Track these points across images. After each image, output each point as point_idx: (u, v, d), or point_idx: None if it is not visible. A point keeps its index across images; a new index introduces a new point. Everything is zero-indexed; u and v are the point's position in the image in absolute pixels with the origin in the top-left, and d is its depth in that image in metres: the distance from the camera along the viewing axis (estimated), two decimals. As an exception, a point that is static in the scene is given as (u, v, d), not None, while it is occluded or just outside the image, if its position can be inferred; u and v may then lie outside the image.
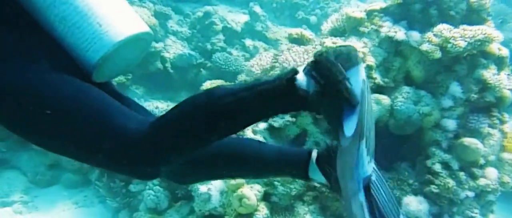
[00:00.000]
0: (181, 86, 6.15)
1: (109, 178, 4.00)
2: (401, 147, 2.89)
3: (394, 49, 2.87)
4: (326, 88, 0.92)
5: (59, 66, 1.01)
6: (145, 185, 3.76)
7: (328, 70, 0.92)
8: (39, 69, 0.97)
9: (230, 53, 6.40)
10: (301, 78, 0.95)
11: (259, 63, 3.36)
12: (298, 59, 2.92)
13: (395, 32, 2.77)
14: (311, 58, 0.98)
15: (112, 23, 1.04)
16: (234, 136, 1.09)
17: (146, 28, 1.13)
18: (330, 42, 2.83)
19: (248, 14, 7.15)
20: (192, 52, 6.24)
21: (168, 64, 6.09)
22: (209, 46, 6.41)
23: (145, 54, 1.25)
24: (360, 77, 0.95)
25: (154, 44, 5.92)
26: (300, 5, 7.75)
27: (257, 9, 7.36)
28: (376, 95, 2.75)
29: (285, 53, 3.03)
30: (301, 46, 3.12)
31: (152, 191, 3.67)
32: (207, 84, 5.60)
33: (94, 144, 0.98)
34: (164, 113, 1.09)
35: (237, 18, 7.08)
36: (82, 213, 4.12)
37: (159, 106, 4.85)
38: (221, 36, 6.58)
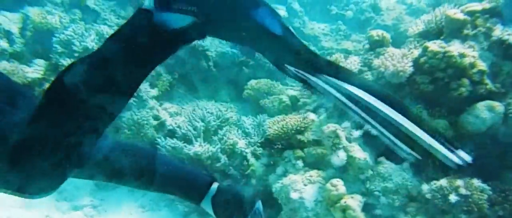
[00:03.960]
0: (222, 85, 6.04)
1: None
2: (508, 155, 2.76)
3: (503, 53, 2.73)
4: None
5: None
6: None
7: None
8: None
9: (273, 51, 6.27)
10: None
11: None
12: (398, 64, 2.79)
13: (509, 35, 2.63)
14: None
15: None
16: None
17: None
18: (436, 46, 2.68)
19: (285, 10, 7.03)
20: (235, 50, 6.12)
21: (211, 63, 5.98)
22: (252, 44, 6.27)
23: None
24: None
25: (199, 42, 5.81)
26: (332, 0, 7.64)
27: (296, 5, 7.28)
28: (489, 102, 2.62)
29: (382, 58, 2.90)
30: (396, 51, 2.98)
31: (227, 196, 3.58)
32: (252, 83, 5.51)
33: None
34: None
35: (276, 14, 6.95)
36: (150, 217, 4.06)
37: (199, 104, 4.67)
38: (262, 34, 6.45)
